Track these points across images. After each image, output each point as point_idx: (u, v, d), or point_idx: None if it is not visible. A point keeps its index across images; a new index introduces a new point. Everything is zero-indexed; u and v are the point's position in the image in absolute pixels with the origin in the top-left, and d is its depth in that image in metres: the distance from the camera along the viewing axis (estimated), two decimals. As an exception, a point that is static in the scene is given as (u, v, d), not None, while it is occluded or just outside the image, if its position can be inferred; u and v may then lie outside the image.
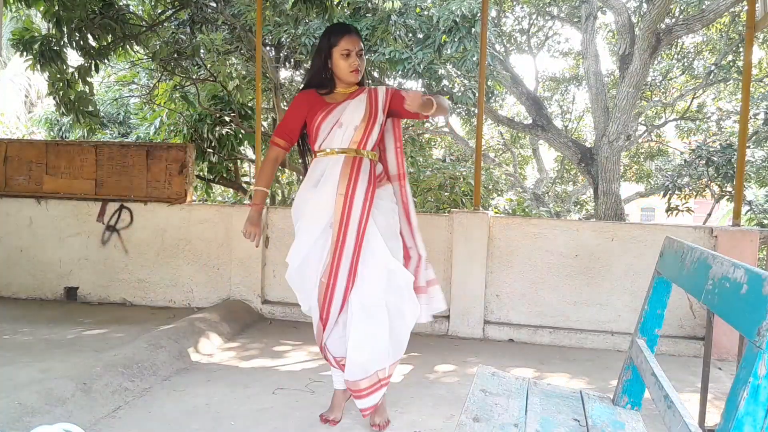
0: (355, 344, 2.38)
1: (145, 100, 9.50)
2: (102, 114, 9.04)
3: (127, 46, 6.38)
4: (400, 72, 7.33)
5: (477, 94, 6.54)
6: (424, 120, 2.62)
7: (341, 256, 2.35)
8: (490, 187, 9.92)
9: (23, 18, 6.66)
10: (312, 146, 2.52)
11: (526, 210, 10.03)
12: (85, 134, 7.68)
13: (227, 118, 8.08)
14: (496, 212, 9.64)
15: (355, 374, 2.40)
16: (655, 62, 10.71)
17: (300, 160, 2.67)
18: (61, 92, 5.96)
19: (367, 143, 2.44)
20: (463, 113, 10.70)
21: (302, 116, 2.49)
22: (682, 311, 3.98)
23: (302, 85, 2.57)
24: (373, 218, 2.41)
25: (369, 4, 7.42)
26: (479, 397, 1.66)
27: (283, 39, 7.54)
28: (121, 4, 6.11)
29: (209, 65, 7.93)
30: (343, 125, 2.42)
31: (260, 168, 2.55)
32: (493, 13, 10.79)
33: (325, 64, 2.46)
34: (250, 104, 8.15)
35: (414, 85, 9.23)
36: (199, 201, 8.65)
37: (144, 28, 6.54)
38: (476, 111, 6.08)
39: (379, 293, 2.39)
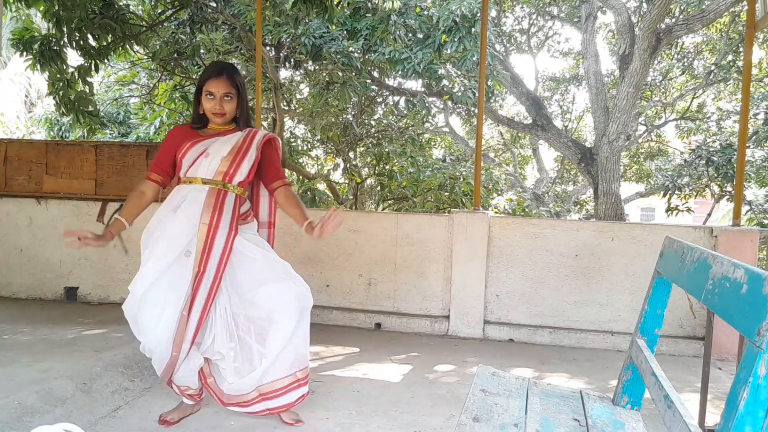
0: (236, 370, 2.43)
1: (145, 100, 9.51)
2: (102, 114, 9.04)
3: (127, 46, 6.38)
4: (400, 72, 7.33)
5: (477, 94, 6.55)
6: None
7: (198, 287, 2.29)
8: (490, 187, 9.92)
9: (23, 18, 6.66)
10: (178, 174, 2.46)
11: (526, 210, 10.04)
12: (85, 134, 7.68)
13: (227, 118, 8.06)
14: (496, 212, 9.64)
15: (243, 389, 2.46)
16: (655, 62, 10.70)
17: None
18: (61, 92, 5.96)
19: (234, 176, 2.39)
20: (463, 113, 10.70)
21: (173, 149, 2.45)
22: (682, 311, 3.98)
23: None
24: (241, 253, 2.39)
25: (369, 4, 7.42)
26: (479, 397, 1.66)
27: (283, 39, 7.54)
28: (121, 4, 6.10)
29: (209, 65, 7.92)
30: (209, 155, 2.38)
31: (127, 198, 2.42)
32: (493, 13, 10.79)
33: (198, 100, 2.48)
34: (249, 104, 8.16)
35: (414, 84, 9.25)
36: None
37: (144, 28, 6.54)
38: (476, 111, 6.08)
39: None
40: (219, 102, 2.41)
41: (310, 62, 7.86)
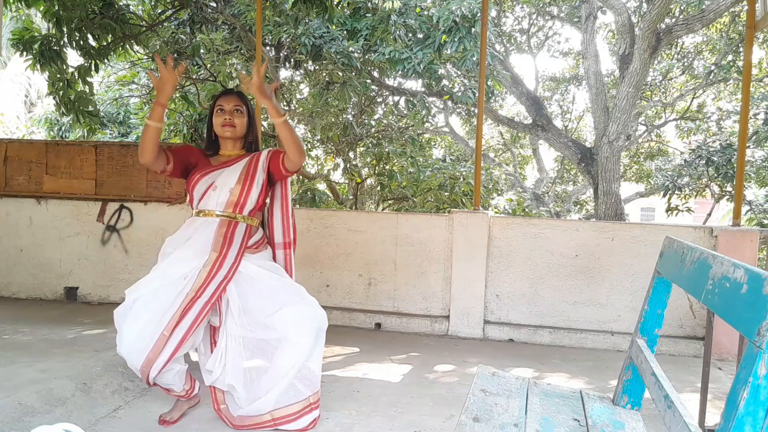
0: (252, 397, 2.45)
1: (145, 100, 9.51)
2: (102, 114, 9.04)
3: (127, 46, 6.38)
4: (400, 72, 7.33)
5: (477, 94, 6.54)
6: (294, 175, 2.61)
7: (189, 310, 2.31)
8: (490, 187, 9.92)
9: (23, 18, 6.66)
10: (191, 205, 2.51)
11: (526, 210, 10.04)
12: (85, 134, 7.68)
13: (227, 118, 8.07)
14: (496, 212, 9.65)
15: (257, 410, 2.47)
16: (655, 62, 10.70)
17: None
18: (61, 92, 5.96)
19: (244, 206, 2.43)
20: (463, 113, 10.70)
21: (186, 157, 2.50)
22: (682, 311, 3.98)
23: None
24: (254, 279, 2.42)
25: (369, 4, 7.42)
26: (479, 397, 1.66)
27: (283, 39, 7.54)
28: (121, 4, 6.10)
29: (209, 65, 7.93)
30: (217, 188, 2.43)
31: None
32: (493, 13, 10.79)
33: (210, 124, 2.53)
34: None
35: (414, 84, 9.26)
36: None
37: (144, 28, 6.54)
38: (476, 111, 6.08)
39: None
40: (229, 113, 2.47)
41: (310, 62, 7.86)
